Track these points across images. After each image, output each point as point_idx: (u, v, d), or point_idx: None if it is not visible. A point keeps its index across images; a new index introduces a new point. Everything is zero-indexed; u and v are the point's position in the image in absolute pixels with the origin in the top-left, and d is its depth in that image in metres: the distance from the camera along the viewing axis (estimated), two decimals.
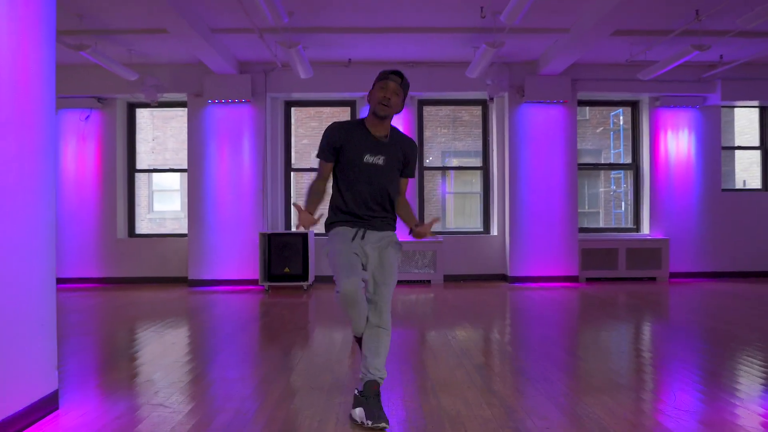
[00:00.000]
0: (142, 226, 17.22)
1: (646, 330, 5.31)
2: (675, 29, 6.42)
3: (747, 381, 3.45)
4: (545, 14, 6.20)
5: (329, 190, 3.03)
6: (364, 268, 2.93)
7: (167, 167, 15.83)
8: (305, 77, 7.31)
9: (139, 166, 14.65)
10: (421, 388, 3.33)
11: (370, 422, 2.66)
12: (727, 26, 6.24)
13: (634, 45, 7.18)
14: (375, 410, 2.70)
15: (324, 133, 2.94)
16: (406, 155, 3.02)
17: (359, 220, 2.93)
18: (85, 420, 2.81)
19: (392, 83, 2.83)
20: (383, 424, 2.65)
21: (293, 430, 2.70)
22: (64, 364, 3.94)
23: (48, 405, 2.84)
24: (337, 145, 2.90)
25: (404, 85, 2.88)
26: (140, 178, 17.19)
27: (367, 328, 2.88)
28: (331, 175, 3.00)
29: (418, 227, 2.99)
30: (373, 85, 2.91)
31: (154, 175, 17.25)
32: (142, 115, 17.27)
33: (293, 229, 8.63)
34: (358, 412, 2.73)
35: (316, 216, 2.85)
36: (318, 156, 2.96)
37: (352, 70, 8.01)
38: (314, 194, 2.93)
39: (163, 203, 17.95)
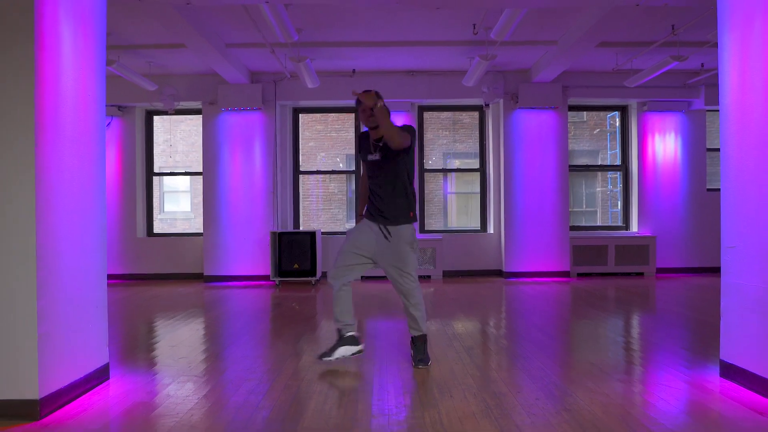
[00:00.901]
0: (155, 226, 17.83)
1: (634, 321, 5.78)
2: (655, 41, 6.92)
3: (714, 361, 3.96)
4: (534, 29, 6.72)
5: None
6: (374, 261, 3.85)
7: (178, 169, 16.41)
8: (312, 86, 7.85)
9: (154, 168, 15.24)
10: (413, 365, 3.86)
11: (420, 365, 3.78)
12: (703, 38, 6.73)
13: (620, 55, 7.69)
14: (420, 354, 3.80)
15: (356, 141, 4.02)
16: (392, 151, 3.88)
17: (376, 211, 3.79)
18: (132, 387, 3.36)
19: (360, 106, 3.62)
20: (419, 365, 3.79)
21: (301, 409, 3.24)
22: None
23: (101, 375, 3.40)
24: (359, 151, 3.90)
25: (377, 98, 3.46)
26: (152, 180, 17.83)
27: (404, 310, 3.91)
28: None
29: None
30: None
31: (165, 177, 17.85)
32: (157, 119, 17.92)
33: (301, 228, 9.19)
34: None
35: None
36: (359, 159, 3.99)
37: (356, 80, 8.54)
38: (360, 197, 4.12)
39: (174, 204, 18.56)
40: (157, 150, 17.94)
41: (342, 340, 3.82)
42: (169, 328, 5.32)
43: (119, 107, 8.90)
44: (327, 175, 15.68)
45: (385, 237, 3.72)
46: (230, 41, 7.13)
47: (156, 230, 16.96)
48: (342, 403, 3.12)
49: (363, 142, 3.84)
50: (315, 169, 15.30)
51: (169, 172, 16.61)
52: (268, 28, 6.02)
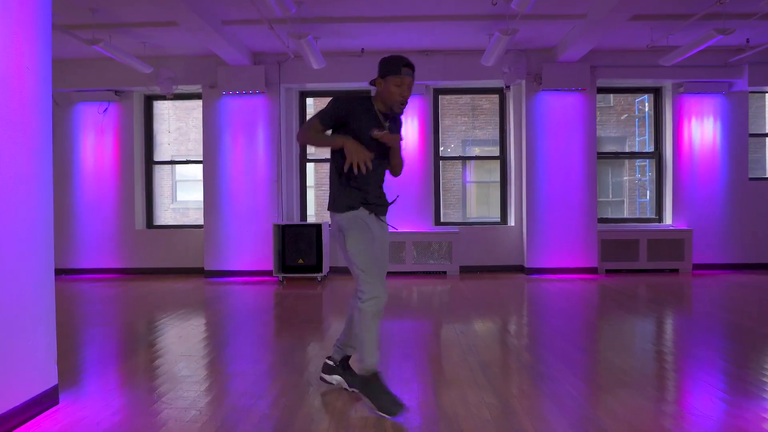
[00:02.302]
0: (166, 216, 17.48)
1: (667, 327, 5.14)
2: (696, 13, 6.18)
3: None
4: (558, 0, 6.02)
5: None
6: None
7: (189, 158, 15.98)
8: (317, 68, 7.25)
9: (161, 157, 14.86)
10: (421, 385, 3.28)
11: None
12: (752, 9, 5.98)
13: (655, 30, 6.95)
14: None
15: (333, 100, 2.92)
16: (399, 127, 3.15)
17: (366, 198, 2.96)
18: (86, 415, 2.83)
19: (408, 79, 2.87)
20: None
21: (308, 423, 2.68)
22: (85, 351, 4.04)
23: (47, 400, 2.87)
24: (344, 117, 2.89)
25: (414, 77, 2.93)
26: (163, 169, 17.43)
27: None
28: (334, 155, 2.99)
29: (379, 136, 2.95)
30: (384, 73, 2.89)
31: (178, 165, 17.46)
32: (164, 106, 17.45)
33: (308, 221, 8.64)
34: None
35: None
36: (316, 115, 2.92)
37: (365, 60, 7.92)
38: (314, 133, 2.93)
39: (187, 193, 18.18)
40: (168, 138, 17.75)
41: (348, 369, 3.22)
42: (158, 331, 4.80)
43: (116, 92, 8.40)
44: None
45: (381, 230, 3.08)
46: (227, 18, 6.55)
47: (168, 220, 16.78)
48: None
49: (366, 111, 2.91)
50: (324, 157, 14.73)
51: (172, 160, 16.22)
52: (263, 1, 5.42)
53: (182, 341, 4.44)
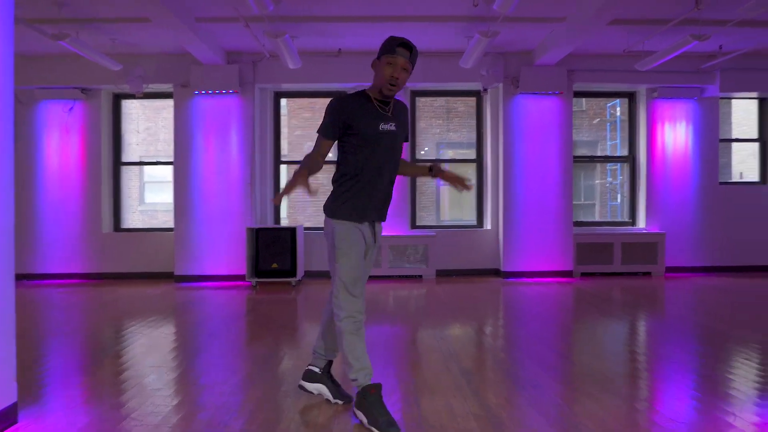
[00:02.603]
0: (134, 218, 17.03)
1: (641, 329, 5.16)
2: (674, 18, 6.23)
3: (743, 387, 3.30)
4: (541, 3, 6.01)
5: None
6: None
7: (158, 159, 15.60)
8: (294, 67, 7.11)
9: (129, 158, 14.48)
10: (404, 395, 3.17)
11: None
12: (728, 15, 6.05)
13: (632, 35, 6.99)
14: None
15: (329, 107, 2.73)
16: (406, 118, 2.94)
17: (369, 205, 2.78)
18: None
19: (401, 59, 2.66)
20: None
21: None
22: (48, 361, 3.83)
23: (5, 419, 2.67)
24: (346, 120, 2.70)
25: (413, 59, 2.70)
26: (131, 170, 16.98)
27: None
28: (342, 157, 2.80)
29: (438, 172, 2.95)
30: (380, 54, 2.71)
31: (146, 166, 17.05)
32: (133, 105, 17.02)
33: (282, 224, 8.47)
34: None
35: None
36: (319, 131, 2.76)
37: (342, 60, 7.80)
38: (309, 168, 2.59)
39: (156, 194, 17.75)
40: (137, 138, 17.32)
41: (331, 380, 3.10)
42: (126, 340, 4.59)
43: (83, 89, 8.10)
44: None
45: (373, 237, 2.90)
46: (201, 15, 6.36)
47: (136, 222, 16.35)
48: None
49: (364, 106, 2.72)
50: (299, 159, 14.56)
51: (142, 161, 15.86)
52: None
53: (151, 351, 4.25)
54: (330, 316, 2.98)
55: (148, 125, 17.66)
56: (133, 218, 16.87)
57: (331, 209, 2.80)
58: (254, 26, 6.42)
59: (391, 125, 2.76)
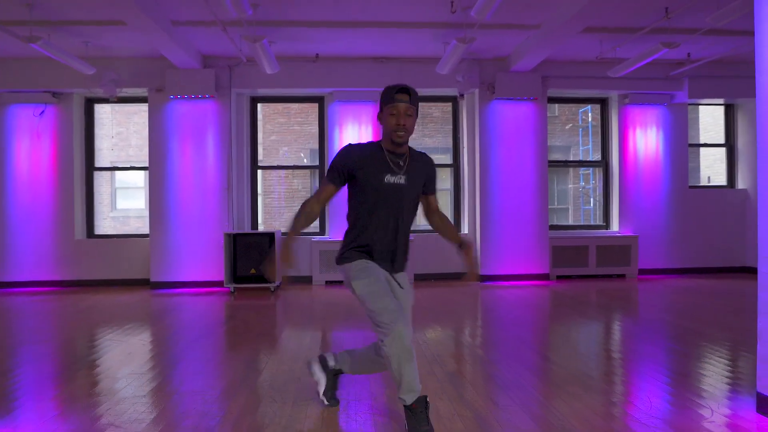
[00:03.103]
0: (105, 225, 16.72)
1: (616, 329, 5.26)
2: (645, 27, 6.39)
3: (715, 383, 3.40)
4: (517, 10, 6.11)
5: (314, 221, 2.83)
6: None
7: (130, 164, 15.35)
8: (271, 72, 7.08)
9: (100, 163, 14.22)
10: (391, 399, 3.18)
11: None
12: (697, 24, 6.24)
13: (604, 42, 7.15)
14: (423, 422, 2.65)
15: (338, 152, 2.75)
16: (428, 173, 2.87)
17: (377, 257, 2.74)
18: None
19: (402, 105, 2.64)
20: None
21: None
22: (20, 373, 3.74)
23: None
24: (351, 168, 2.70)
25: (414, 101, 2.68)
26: (103, 176, 16.67)
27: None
28: (349, 206, 2.82)
29: (466, 250, 2.90)
30: (381, 106, 2.71)
31: (117, 172, 16.76)
32: (104, 110, 16.73)
33: (260, 229, 8.42)
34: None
35: (293, 256, 2.64)
36: (326, 176, 2.77)
37: (319, 66, 7.81)
38: (305, 215, 2.70)
39: (127, 201, 17.45)
40: (108, 143, 17.02)
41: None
42: (101, 349, 4.51)
43: (53, 93, 7.94)
44: (290, 171, 14.86)
45: (398, 286, 2.84)
46: (177, 18, 6.31)
47: (108, 229, 16.03)
48: None
49: (374, 156, 2.71)
50: (276, 164, 14.48)
51: (114, 166, 15.59)
52: (218, 2, 5.23)
53: (128, 359, 4.18)
54: (372, 349, 2.95)
55: (119, 130, 17.37)
56: (104, 224, 16.56)
57: (340, 257, 2.79)
58: (232, 30, 6.39)
59: (399, 178, 2.71)
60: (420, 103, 2.81)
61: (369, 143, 2.79)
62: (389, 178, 2.70)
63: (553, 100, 8.76)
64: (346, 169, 2.70)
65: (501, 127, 8.16)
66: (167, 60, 7.36)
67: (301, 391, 3.33)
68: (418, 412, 2.62)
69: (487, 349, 4.43)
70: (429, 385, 3.43)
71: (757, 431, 2.67)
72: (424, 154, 2.89)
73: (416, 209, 2.86)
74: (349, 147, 2.75)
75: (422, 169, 2.83)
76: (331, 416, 2.95)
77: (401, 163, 2.74)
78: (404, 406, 2.64)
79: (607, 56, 7.48)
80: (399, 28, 6.67)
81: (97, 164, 8.68)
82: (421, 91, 8.25)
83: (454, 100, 8.65)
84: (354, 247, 2.74)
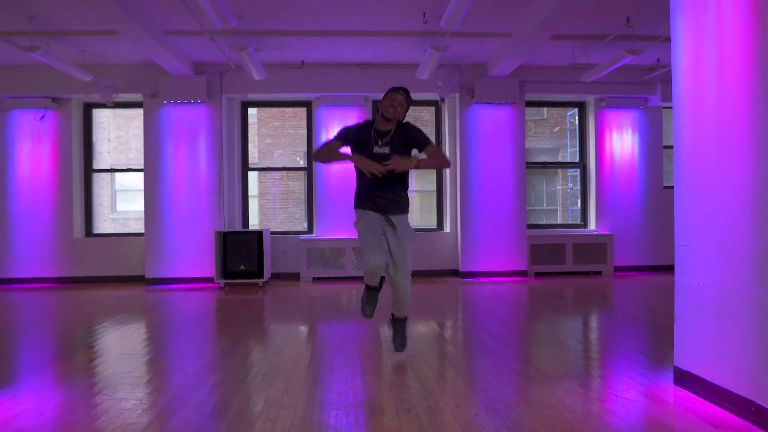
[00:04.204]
0: (105, 226, 17.09)
1: (591, 323, 5.56)
2: (610, 34, 6.75)
3: (669, 367, 3.73)
4: (486, 20, 6.47)
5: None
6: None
7: (129, 167, 15.73)
8: (259, 79, 7.46)
9: (101, 166, 14.59)
10: (349, 374, 3.53)
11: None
12: (658, 32, 6.59)
13: (576, 49, 7.51)
14: (398, 336, 3.96)
15: (341, 129, 3.81)
16: (410, 137, 3.75)
17: (375, 205, 3.73)
18: (23, 408, 2.95)
19: (399, 96, 3.72)
20: (399, 349, 3.94)
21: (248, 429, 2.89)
22: (21, 354, 4.10)
23: None
24: (349, 141, 3.75)
25: (408, 100, 3.77)
26: (103, 178, 17.06)
27: (392, 285, 3.85)
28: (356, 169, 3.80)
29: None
30: (384, 96, 3.76)
31: (118, 174, 17.16)
32: (104, 114, 17.12)
33: (250, 227, 8.79)
34: (387, 331, 4.22)
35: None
36: (334, 138, 3.77)
37: (306, 72, 8.18)
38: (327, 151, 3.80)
39: (127, 203, 17.82)
40: (108, 146, 17.41)
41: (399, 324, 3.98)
42: (97, 334, 4.87)
43: (53, 99, 8.33)
44: (285, 174, 15.24)
45: (392, 226, 3.75)
46: (168, 28, 6.68)
47: (108, 230, 16.41)
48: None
49: (363, 133, 3.75)
50: (273, 166, 14.86)
51: (112, 168, 15.94)
52: (203, 14, 5.61)
53: (121, 342, 4.54)
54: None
55: (119, 134, 17.76)
56: (105, 226, 16.92)
57: (354, 205, 3.85)
58: (220, 40, 6.76)
59: (384, 149, 3.70)
60: (410, 107, 3.82)
61: (364, 122, 3.88)
62: (377, 149, 3.71)
63: (532, 104, 9.12)
64: (346, 140, 3.76)
65: (481, 131, 8.52)
66: (160, 67, 7.74)
67: (287, 378, 3.68)
68: (370, 291, 3.89)
69: (455, 338, 4.78)
70: (389, 363, 3.78)
71: (674, 401, 3.02)
72: (405, 123, 3.81)
73: (403, 172, 3.73)
74: (349, 126, 3.85)
75: (403, 137, 3.73)
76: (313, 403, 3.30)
77: (388, 137, 3.72)
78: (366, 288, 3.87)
79: (580, 62, 7.83)
80: (379, 36, 7.04)
81: (99, 167, 9.04)
82: None
83: (436, 104, 9.02)
84: (357, 199, 3.82)
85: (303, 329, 5.14)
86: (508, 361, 3.89)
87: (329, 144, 3.78)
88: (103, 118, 17.10)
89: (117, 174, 17.20)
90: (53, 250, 8.39)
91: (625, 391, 3.17)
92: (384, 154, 3.68)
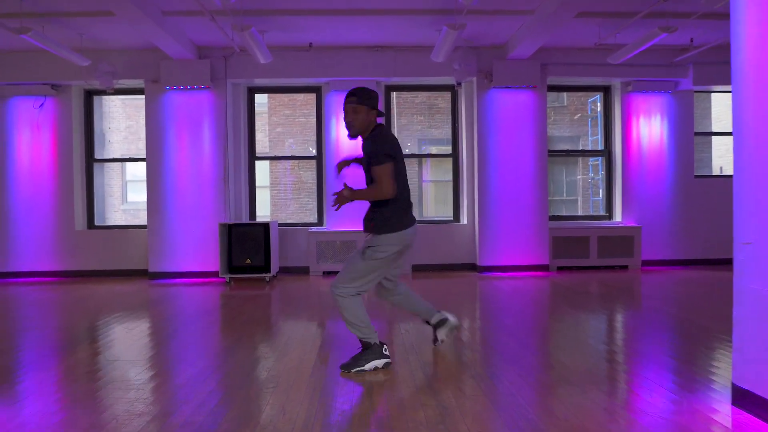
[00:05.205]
0: (116, 217, 16.89)
1: (617, 324, 5.08)
2: (640, 11, 6.23)
3: (718, 379, 3.25)
4: None
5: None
6: None
7: (136, 157, 15.46)
8: (264, 62, 7.05)
9: (112, 156, 14.35)
10: (359, 386, 3.14)
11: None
12: (693, 8, 6.06)
13: (602, 28, 7.00)
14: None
15: (381, 147, 3.37)
16: (366, 151, 3.37)
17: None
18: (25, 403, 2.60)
19: (347, 106, 3.37)
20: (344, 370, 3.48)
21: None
22: (23, 348, 3.79)
23: None
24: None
25: (361, 98, 3.34)
26: (113, 169, 16.84)
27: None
28: None
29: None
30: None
31: (128, 165, 16.93)
32: (114, 103, 16.89)
33: (258, 220, 8.44)
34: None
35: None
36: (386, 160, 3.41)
37: (314, 55, 7.76)
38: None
39: (138, 194, 17.60)
40: (119, 136, 17.17)
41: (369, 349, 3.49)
42: (97, 332, 4.53)
43: (53, 86, 7.99)
44: (296, 163, 14.86)
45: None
46: (167, 8, 6.29)
47: (118, 221, 16.19)
48: None
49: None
50: (282, 155, 14.48)
51: (112, 158, 15.72)
52: None
53: (124, 338, 4.20)
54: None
55: (129, 123, 17.51)
56: (116, 217, 16.72)
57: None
58: (222, 21, 6.35)
59: (362, 162, 3.47)
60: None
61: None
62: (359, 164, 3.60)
63: (553, 88, 8.61)
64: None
65: (499, 116, 8.04)
66: (162, 51, 7.36)
67: (295, 378, 3.30)
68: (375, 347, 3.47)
69: (474, 340, 4.36)
70: (400, 372, 3.39)
71: (734, 426, 2.58)
72: (372, 132, 3.40)
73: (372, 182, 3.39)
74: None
75: (366, 145, 3.36)
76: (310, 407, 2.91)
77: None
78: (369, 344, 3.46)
79: (607, 42, 7.31)
80: (391, 15, 6.58)
81: (109, 156, 8.71)
82: (419, 80, 8.25)
83: (452, 89, 8.55)
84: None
85: (308, 329, 4.74)
86: (532, 370, 3.47)
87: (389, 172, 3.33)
88: (114, 107, 16.86)
89: (127, 164, 16.97)
90: (54, 242, 8.10)
91: (669, 410, 2.73)
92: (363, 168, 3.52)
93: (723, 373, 3.29)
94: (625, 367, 3.57)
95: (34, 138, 8.09)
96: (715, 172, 13.78)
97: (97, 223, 8.51)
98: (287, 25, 6.83)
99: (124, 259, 8.16)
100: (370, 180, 3.41)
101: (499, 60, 7.81)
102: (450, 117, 8.75)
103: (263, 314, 5.53)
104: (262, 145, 15.26)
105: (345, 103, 3.37)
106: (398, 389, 3.11)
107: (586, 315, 5.27)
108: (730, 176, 8.86)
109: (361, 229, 3.52)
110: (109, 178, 18.13)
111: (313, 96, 8.75)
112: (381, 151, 3.28)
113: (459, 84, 7.87)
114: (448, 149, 8.90)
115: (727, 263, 8.45)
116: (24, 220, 8.05)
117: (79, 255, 8.13)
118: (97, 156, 8.58)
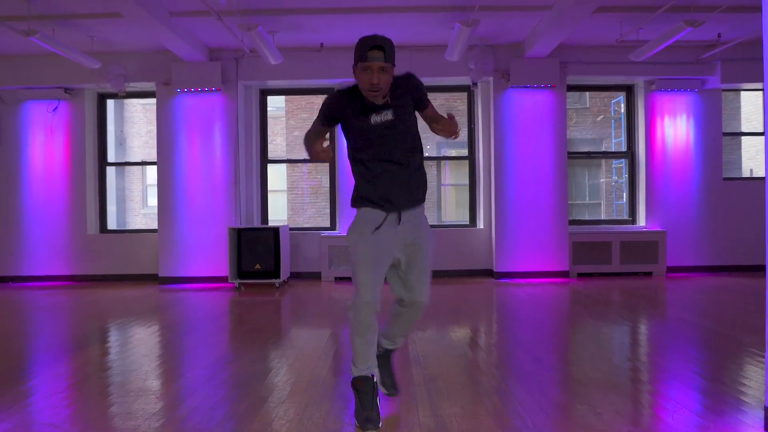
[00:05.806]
0: (137, 221, 16.98)
1: (641, 336, 4.79)
2: (664, 4, 5.93)
3: (749, 399, 2.95)
4: None
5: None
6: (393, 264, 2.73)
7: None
8: (274, 63, 6.92)
9: (133, 159, 14.40)
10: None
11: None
12: (721, 0, 5.76)
13: (624, 23, 6.71)
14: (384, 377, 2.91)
15: (323, 102, 2.74)
16: (412, 93, 2.69)
17: (388, 195, 2.63)
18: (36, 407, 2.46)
19: (375, 63, 2.49)
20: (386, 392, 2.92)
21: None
22: (32, 359, 3.68)
23: None
24: (336, 117, 2.69)
25: (389, 56, 2.52)
26: (134, 173, 16.95)
27: (399, 305, 2.84)
28: (348, 153, 2.78)
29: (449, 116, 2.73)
30: (354, 61, 2.57)
31: (149, 169, 16.99)
32: (135, 108, 17.00)
33: (274, 223, 8.31)
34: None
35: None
36: (317, 118, 2.76)
37: (325, 55, 7.60)
38: (312, 135, 2.76)
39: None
40: (140, 141, 17.27)
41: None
42: (105, 334, 4.41)
43: (66, 89, 7.98)
44: (314, 167, 14.72)
45: (406, 229, 2.68)
46: (174, 9, 6.20)
47: (138, 225, 16.27)
48: None
49: (352, 102, 2.62)
50: (289, 158, 14.37)
51: (124, 162, 15.77)
52: None
53: (134, 341, 4.07)
54: (394, 307, 2.91)
55: (149, 128, 17.60)
56: (136, 221, 16.82)
57: (352, 199, 2.74)
58: (230, 21, 6.24)
59: (386, 114, 2.60)
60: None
61: (349, 89, 2.68)
62: (375, 119, 2.61)
63: (573, 88, 8.32)
64: (332, 115, 2.69)
65: (517, 117, 7.78)
66: (173, 54, 7.28)
67: (309, 388, 3.12)
68: (362, 393, 2.60)
69: (483, 352, 4.13)
70: (409, 421, 3.17)
71: None
72: (403, 75, 2.69)
73: (416, 142, 2.72)
74: (331, 95, 2.71)
75: (407, 90, 2.67)
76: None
77: (385, 99, 2.60)
78: (351, 381, 2.66)
79: (629, 39, 7.02)
80: (403, 12, 6.39)
81: (130, 160, 8.68)
82: (435, 80, 8.02)
83: (468, 90, 8.32)
84: (363, 190, 2.68)
85: (315, 340, 4.55)
86: (544, 388, 3.22)
87: (310, 131, 2.78)
88: (135, 111, 16.97)
89: (148, 169, 17.04)
90: (66, 246, 8.07)
91: None
92: (386, 123, 2.60)
93: (754, 393, 3.00)
94: (649, 387, 3.30)
95: (47, 142, 8.09)
96: (745, 174, 13.29)
97: (118, 227, 8.48)
98: (297, 24, 6.69)
99: (135, 263, 8.10)
100: (405, 133, 2.66)
101: (516, 59, 7.56)
102: (466, 118, 8.50)
103: (267, 323, 5.35)
104: (279, 148, 15.19)
105: (366, 61, 2.48)
106: (403, 411, 2.89)
107: (607, 325, 4.99)
108: (762, 178, 8.48)
109: None
110: (129, 182, 18.26)
111: (324, 98, 8.60)
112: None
113: (475, 84, 7.64)
114: (464, 151, 8.66)
115: (757, 270, 8.05)
116: (36, 223, 8.04)
117: (91, 259, 8.09)
118: (117, 159, 8.53)
